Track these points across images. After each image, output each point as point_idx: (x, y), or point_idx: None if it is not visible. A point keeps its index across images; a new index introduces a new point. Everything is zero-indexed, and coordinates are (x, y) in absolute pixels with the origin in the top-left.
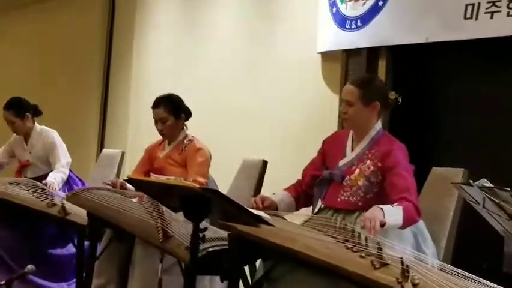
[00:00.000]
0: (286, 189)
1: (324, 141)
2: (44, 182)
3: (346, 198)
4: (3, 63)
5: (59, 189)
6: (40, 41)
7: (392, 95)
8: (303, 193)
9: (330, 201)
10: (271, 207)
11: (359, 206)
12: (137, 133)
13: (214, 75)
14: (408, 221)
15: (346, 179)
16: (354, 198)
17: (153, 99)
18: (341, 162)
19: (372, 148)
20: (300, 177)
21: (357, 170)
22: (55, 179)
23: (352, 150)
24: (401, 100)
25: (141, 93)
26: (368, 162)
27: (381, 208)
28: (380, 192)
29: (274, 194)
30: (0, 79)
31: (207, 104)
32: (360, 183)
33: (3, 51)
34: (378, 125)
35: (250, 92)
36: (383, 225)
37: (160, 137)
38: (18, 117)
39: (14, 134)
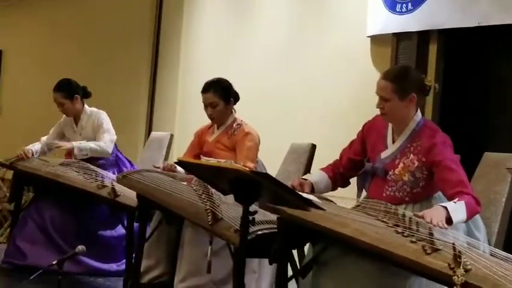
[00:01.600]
0: (323, 169)
1: (364, 125)
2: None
3: (392, 193)
4: (54, 46)
5: (108, 170)
6: (89, 24)
7: (429, 81)
8: (339, 175)
9: (375, 195)
10: (308, 189)
11: (405, 200)
12: (185, 116)
13: (263, 59)
14: (472, 214)
15: (390, 173)
16: (401, 193)
17: (201, 83)
18: (383, 155)
19: (413, 141)
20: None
21: (401, 165)
22: (83, 143)
23: (393, 141)
24: (438, 87)
25: (189, 77)
26: (412, 156)
27: (445, 207)
28: (426, 185)
29: (310, 173)
30: (50, 62)
31: (256, 87)
32: (406, 178)
33: (53, 34)
34: (418, 116)
35: (299, 75)
36: (450, 223)
37: (208, 121)
38: (67, 98)
39: (64, 116)
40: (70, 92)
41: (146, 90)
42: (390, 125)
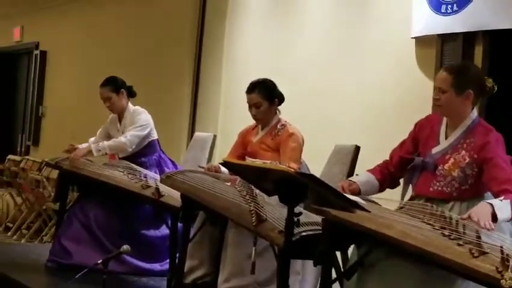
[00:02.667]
0: (371, 171)
1: (416, 124)
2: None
3: (439, 188)
4: (98, 47)
5: (150, 171)
6: (132, 26)
7: (490, 82)
8: (389, 175)
9: (421, 189)
10: (355, 191)
11: (453, 196)
12: (229, 116)
13: (307, 59)
14: None
15: (439, 168)
16: (448, 188)
17: (244, 84)
18: (434, 150)
19: (467, 138)
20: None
21: (452, 160)
22: (101, 143)
23: (446, 138)
24: (496, 88)
25: (232, 77)
26: (463, 152)
27: (491, 204)
28: (475, 183)
29: (357, 174)
30: (94, 63)
31: (300, 88)
32: (455, 174)
33: (98, 35)
34: (474, 114)
35: (342, 76)
36: (494, 220)
37: (252, 121)
38: (114, 92)
39: (110, 116)
40: (116, 86)
41: (189, 90)
42: (444, 122)
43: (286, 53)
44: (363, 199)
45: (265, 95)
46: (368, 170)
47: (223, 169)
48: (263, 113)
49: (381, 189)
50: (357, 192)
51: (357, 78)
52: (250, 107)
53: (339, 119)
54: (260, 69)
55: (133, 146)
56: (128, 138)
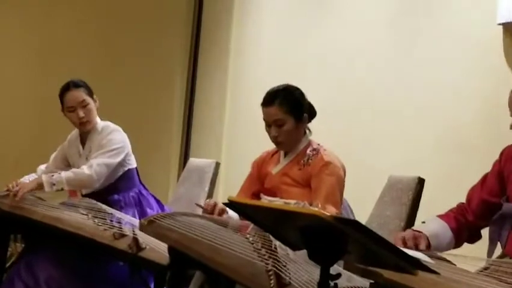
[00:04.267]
0: (442, 217)
1: (503, 152)
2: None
3: None
4: (56, 39)
5: (128, 213)
6: (104, 12)
7: None
8: (466, 225)
9: None
10: (420, 245)
11: None
12: (237, 137)
13: (346, 65)
14: None
15: None
16: None
17: (260, 93)
18: None
19: None
20: (463, 199)
21: None
22: (56, 175)
23: None
24: None
25: (243, 82)
26: None
27: None
28: None
29: (423, 222)
30: (50, 65)
31: (337, 99)
32: None
33: (54, 30)
34: None
35: (398, 80)
36: None
37: (271, 145)
38: (90, 96)
39: (70, 135)
40: (90, 90)
41: (181, 100)
42: None
43: (319, 47)
44: (428, 255)
45: (290, 108)
46: (439, 216)
47: (231, 212)
48: (287, 133)
49: (457, 244)
50: (426, 247)
51: (422, 83)
52: (268, 125)
53: (395, 138)
54: (281, 72)
55: (101, 180)
56: (94, 168)
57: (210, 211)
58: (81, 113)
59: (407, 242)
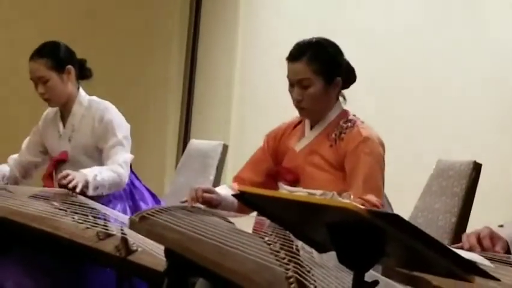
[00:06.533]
0: None
1: None
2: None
3: None
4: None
5: (115, 208)
6: None
7: None
8: None
9: None
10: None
11: None
12: (249, 113)
13: (387, 24)
14: None
15: None
16: None
17: (275, 56)
18: None
19: None
20: None
21: None
22: (99, 174)
23: None
24: None
25: (256, 48)
26: None
27: None
28: None
29: (501, 226)
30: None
31: (376, 70)
32: None
33: None
34: None
35: (450, 48)
36: None
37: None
38: (54, 69)
39: (44, 113)
40: (58, 59)
41: (179, 69)
42: None
43: (353, 18)
44: (488, 258)
45: (320, 66)
46: None
47: (223, 192)
48: (313, 98)
49: None
50: (506, 251)
51: (477, 54)
52: (291, 84)
53: (444, 119)
54: (306, 33)
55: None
56: (124, 168)
57: (194, 201)
58: (40, 89)
59: (483, 241)
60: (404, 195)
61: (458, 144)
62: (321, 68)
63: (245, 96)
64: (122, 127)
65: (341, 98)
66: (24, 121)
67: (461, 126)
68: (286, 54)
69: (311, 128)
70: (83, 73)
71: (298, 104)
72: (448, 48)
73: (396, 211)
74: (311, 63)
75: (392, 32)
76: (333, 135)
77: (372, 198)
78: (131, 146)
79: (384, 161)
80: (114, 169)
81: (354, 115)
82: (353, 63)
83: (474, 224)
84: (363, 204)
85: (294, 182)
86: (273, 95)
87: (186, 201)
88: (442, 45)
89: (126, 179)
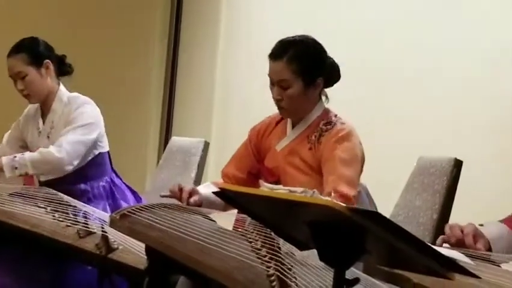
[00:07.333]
0: (505, 221)
1: None
2: None
3: None
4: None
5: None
6: None
7: None
8: None
9: None
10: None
11: None
12: (231, 111)
13: (371, 18)
14: None
15: None
16: None
17: (258, 52)
18: None
19: None
20: None
21: None
22: (20, 155)
23: None
24: None
25: (234, 41)
26: None
27: None
28: None
29: (482, 225)
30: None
31: (359, 66)
32: None
33: None
34: None
35: (433, 43)
36: None
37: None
38: (32, 64)
39: (26, 110)
40: (36, 54)
41: (160, 65)
42: None
43: (332, 13)
44: (468, 255)
45: (301, 67)
46: (500, 221)
47: (205, 191)
48: (292, 99)
49: None
50: (487, 249)
51: (460, 53)
52: (272, 83)
53: (427, 116)
54: (289, 28)
55: (75, 161)
56: (64, 147)
57: (177, 197)
58: (20, 85)
59: (465, 238)
60: (386, 193)
61: (439, 142)
62: (301, 69)
63: (226, 93)
64: (88, 118)
65: (323, 97)
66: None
67: (442, 124)
68: (269, 51)
69: (293, 126)
70: (63, 69)
71: (278, 103)
72: (431, 46)
73: (378, 208)
74: (291, 63)
75: (377, 26)
76: (313, 137)
77: (346, 190)
78: (110, 143)
79: (361, 157)
80: (41, 150)
81: (336, 115)
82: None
83: (455, 221)
84: (337, 194)
85: (275, 183)
86: (254, 92)
87: (166, 195)
88: (426, 42)
89: (66, 159)
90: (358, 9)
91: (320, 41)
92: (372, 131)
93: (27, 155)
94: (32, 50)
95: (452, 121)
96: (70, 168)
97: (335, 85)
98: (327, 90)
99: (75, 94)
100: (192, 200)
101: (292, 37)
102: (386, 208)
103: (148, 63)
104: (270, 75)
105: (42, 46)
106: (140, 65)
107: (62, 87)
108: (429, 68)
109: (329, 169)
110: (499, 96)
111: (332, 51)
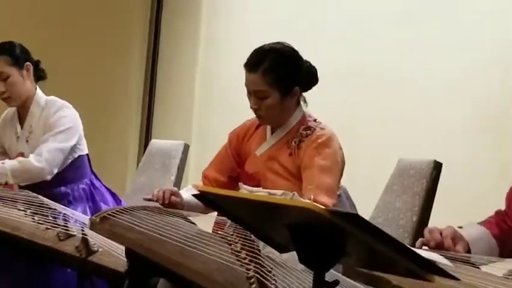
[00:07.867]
0: (483, 223)
1: None
2: None
3: None
4: None
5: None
6: None
7: None
8: (510, 231)
9: None
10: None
11: None
12: (211, 113)
13: (353, 24)
14: None
15: None
16: None
17: (237, 54)
18: None
19: None
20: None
21: None
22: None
23: None
24: None
25: (215, 44)
26: None
27: None
28: None
29: (461, 227)
30: None
31: (338, 69)
32: None
33: None
34: None
35: (416, 52)
36: None
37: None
38: (14, 66)
39: (3, 115)
40: (16, 56)
41: (140, 68)
42: None
43: (316, 14)
44: (448, 257)
45: (276, 79)
46: (481, 222)
47: (186, 195)
48: (269, 108)
49: (501, 253)
50: (466, 250)
51: (440, 54)
52: (249, 92)
53: (407, 118)
54: (270, 33)
55: (55, 169)
56: (44, 156)
57: (160, 201)
58: (1, 87)
59: (444, 240)
60: (365, 195)
61: (419, 144)
62: (277, 80)
63: (207, 96)
64: (67, 123)
65: (301, 102)
66: None
67: (422, 126)
68: (250, 52)
69: (272, 132)
70: (38, 74)
71: (255, 111)
72: (412, 48)
73: (359, 210)
74: (267, 75)
75: (357, 30)
76: (293, 143)
77: (326, 199)
78: (89, 145)
79: (342, 163)
80: (20, 159)
81: (316, 119)
82: (313, 61)
83: (435, 224)
84: (317, 203)
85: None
86: (234, 95)
87: (150, 199)
88: (406, 44)
89: (46, 170)
90: (345, 8)
91: (300, 42)
92: (352, 132)
93: (8, 164)
94: (13, 53)
95: (432, 123)
96: (49, 177)
97: (314, 87)
98: (306, 92)
99: (52, 98)
100: (173, 198)
101: (268, 45)
102: (365, 210)
103: (128, 65)
104: (246, 85)
105: (20, 49)
106: (120, 67)
107: (39, 91)
108: (409, 70)
109: (308, 176)
110: (479, 98)
111: (310, 53)
